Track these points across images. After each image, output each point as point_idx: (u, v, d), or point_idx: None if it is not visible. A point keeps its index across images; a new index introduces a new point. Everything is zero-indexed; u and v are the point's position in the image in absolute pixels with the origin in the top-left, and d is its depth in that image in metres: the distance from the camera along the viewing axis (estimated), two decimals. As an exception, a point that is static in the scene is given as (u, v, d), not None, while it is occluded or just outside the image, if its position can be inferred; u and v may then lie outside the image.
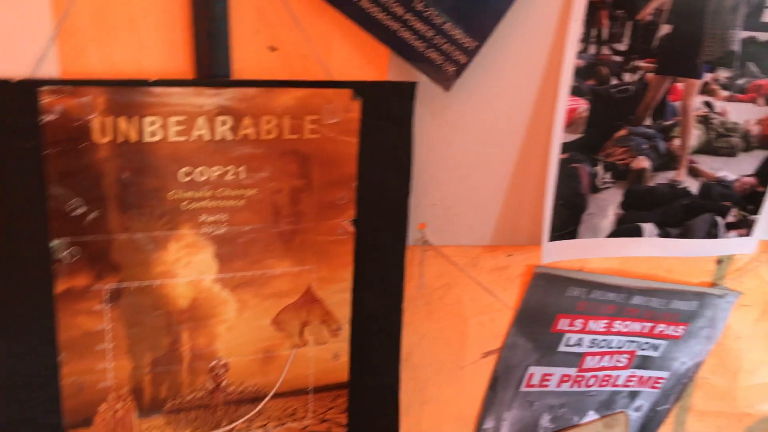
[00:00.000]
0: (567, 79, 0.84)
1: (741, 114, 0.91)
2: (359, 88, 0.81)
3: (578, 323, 1.00)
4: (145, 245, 0.76)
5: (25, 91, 0.68)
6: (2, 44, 0.69)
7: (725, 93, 0.89)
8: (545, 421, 1.07)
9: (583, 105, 0.86)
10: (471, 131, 0.88)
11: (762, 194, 0.95)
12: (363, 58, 0.83)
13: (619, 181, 0.91)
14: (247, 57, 0.78)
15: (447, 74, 0.83)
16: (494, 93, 0.87)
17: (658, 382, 1.10)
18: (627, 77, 0.87)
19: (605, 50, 0.85)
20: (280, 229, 0.82)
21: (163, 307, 0.79)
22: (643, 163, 0.90)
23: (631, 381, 1.09)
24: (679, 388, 1.12)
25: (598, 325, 1.01)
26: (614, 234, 0.93)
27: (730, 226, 0.95)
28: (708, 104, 0.90)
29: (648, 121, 0.89)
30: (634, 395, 1.11)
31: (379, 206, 0.87)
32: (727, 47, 0.87)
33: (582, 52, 0.84)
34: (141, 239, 0.76)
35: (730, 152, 0.92)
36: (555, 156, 0.87)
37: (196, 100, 0.74)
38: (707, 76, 0.89)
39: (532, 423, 1.07)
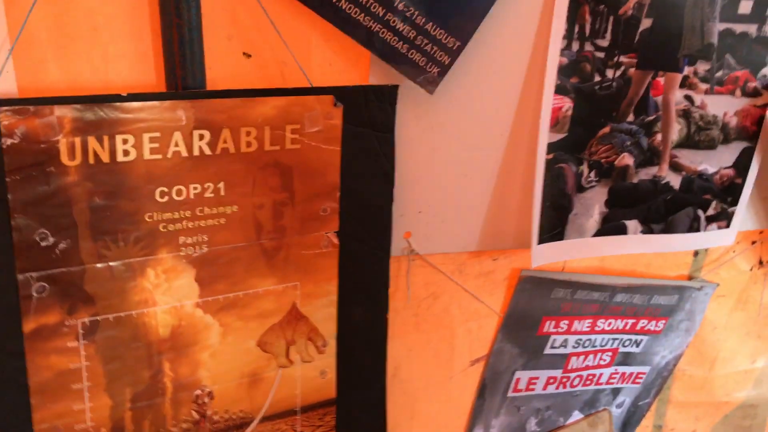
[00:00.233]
0: (551, 77, 0.83)
1: (720, 106, 0.92)
2: (340, 93, 0.78)
3: (563, 324, 1.00)
4: (121, 274, 0.71)
5: (-17, 113, 0.62)
6: (-48, 61, 0.63)
7: (705, 86, 0.90)
8: (532, 425, 1.07)
9: (567, 103, 0.85)
10: (455, 135, 0.86)
11: (740, 186, 0.97)
12: (343, 63, 0.79)
13: (604, 179, 0.90)
14: (220, 65, 0.74)
15: (430, 76, 0.80)
16: (477, 94, 0.85)
17: (639, 377, 1.11)
18: (610, 73, 0.86)
19: (588, 46, 0.84)
20: (262, 246, 0.78)
21: (143, 338, 0.74)
22: (627, 160, 0.90)
23: (613, 378, 1.10)
24: (659, 381, 1.14)
25: (583, 325, 1.01)
26: (599, 233, 0.92)
27: (710, 219, 0.97)
28: (688, 98, 0.90)
29: (630, 118, 0.89)
30: (616, 392, 1.12)
31: (363, 216, 0.84)
32: (705, 40, 0.88)
33: (565, 49, 0.83)
34: (116, 268, 0.71)
35: (710, 145, 0.93)
36: (541, 157, 0.85)
37: (171, 115, 0.69)
38: (687, 70, 0.89)
39: (520, 428, 1.07)
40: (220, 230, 0.75)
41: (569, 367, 1.05)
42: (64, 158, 0.66)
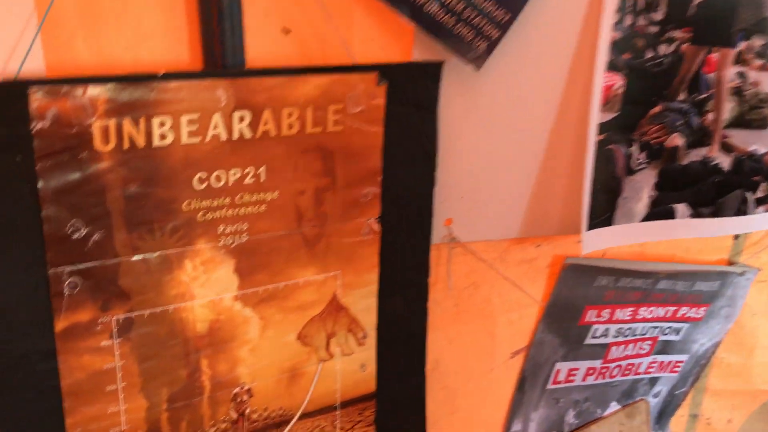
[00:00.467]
0: (603, 53, 0.79)
1: (774, 84, 0.89)
2: (384, 71, 0.73)
3: (605, 313, 0.96)
4: (157, 266, 0.66)
5: (12, 94, 0.56)
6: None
7: (759, 62, 0.86)
8: (570, 417, 1.04)
9: (618, 81, 0.81)
10: (500, 115, 0.81)
11: (790, 167, 0.93)
12: (386, 38, 0.74)
13: (654, 161, 0.86)
14: (257, 43, 0.68)
15: (478, 51, 0.76)
16: (525, 71, 0.80)
17: (677, 366, 1.08)
18: (662, 49, 0.82)
19: (641, 21, 0.80)
20: (303, 235, 0.74)
21: (180, 335, 0.70)
22: (677, 140, 0.86)
23: (652, 367, 1.06)
24: (697, 370, 1.10)
25: (624, 313, 0.98)
26: (648, 217, 0.88)
27: (759, 202, 0.93)
28: (741, 75, 0.86)
29: (682, 96, 0.85)
30: (653, 381, 1.09)
31: (404, 202, 0.80)
32: (761, 13, 0.83)
33: (617, 24, 0.79)
34: (152, 260, 0.66)
35: (761, 124, 0.89)
36: (592, 137, 0.81)
37: (210, 95, 0.64)
38: (741, 45, 0.85)
39: (558, 420, 1.03)
40: (261, 218, 0.71)
41: (609, 357, 1.01)
42: (98, 143, 0.60)
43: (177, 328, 0.69)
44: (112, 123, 0.60)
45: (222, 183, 0.67)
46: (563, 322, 0.96)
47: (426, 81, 0.76)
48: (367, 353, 0.83)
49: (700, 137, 0.87)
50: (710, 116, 0.87)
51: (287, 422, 0.79)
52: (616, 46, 0.79)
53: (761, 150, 0.91)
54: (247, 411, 0.76)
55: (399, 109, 0.75)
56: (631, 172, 0.86)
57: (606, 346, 1.00)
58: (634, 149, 0.85)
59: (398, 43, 0.75)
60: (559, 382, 1.00)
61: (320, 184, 0.73)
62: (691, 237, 0.93)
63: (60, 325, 0.63)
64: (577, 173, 0.84)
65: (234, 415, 0.75)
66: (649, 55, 0.82)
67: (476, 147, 0.82)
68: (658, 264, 0.97)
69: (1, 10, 0.57)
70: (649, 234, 0.89)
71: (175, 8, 0.65)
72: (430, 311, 0.85)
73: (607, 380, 1.04)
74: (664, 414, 1.13)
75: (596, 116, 0.81)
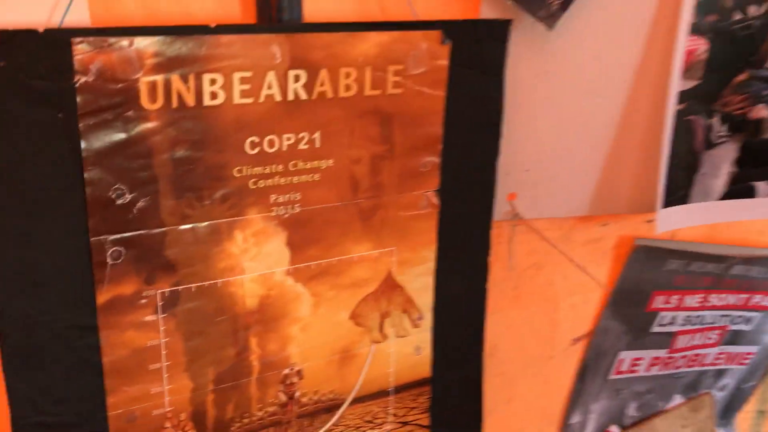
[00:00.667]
0: (687, 13, 0.72)
1: None
2: (449, 28, 0.68)
3: (674, 300, 0.91)
4: (205, 237, 0.62)
5: (55, 44, 0.52)
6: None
7: None
8: (631, 409, 0.98)
9: (702, 45, 0.75)
10: (571, 80, 0.75)
11: None
12: (450, -7, 0.69)
13: (736, 134, 0.80)
14: (313, -4, 0.64)
15: (551, 9, 0.70)
16: (600, 33, 0.74)
17: (746, 358, 1.02)
18: (752, 11, 0.75)
19: (729, -21, 0.74)
20: (358, 206, 0.69)
21: (228, 311, 0.65)
22: (762, 112, 0.79)
23: (719, 359, 1.00)
24: (767, 363, 1.04)
25: (693, 300, 0.92)
26: (726, 196, 0.82)
27: None
28: (836, 40, 0.80)
29: (769, 63, 0.79)
30: (720, 374, 1.03)
31: (465, 173, 0.74)
32: None
33: (702, -19, 0.72)
34: (200, 230, 0.62)
35: None
36: (671, 107, 0.75)
37: (265, 51, 0.59)
38: (838, 7, 0.78)
39: (618, 412, 0.98)
40: (314, 187, 0.66)
41: (675, 347, 0.95)
42: (145, 100, 0.56)
43: (225, 303, 0.65)
44: (159, 79, 0.56)
45: (275, 148, 0.63)
46: (629, 308, 0.90)
47: (493, 41, 0.70)
48: (423, 336, 0.78)
49: (788, 108, 0.81)
50: (799, 85, 0.80)
51: (338, 407, 0.75)
52: (701, 7, 0.73)
53: None
54: (297, 394, 0.71)
55: (463, 72, 0.70)
56: (710, 145, 0.79)
57: (672, 335, 0.94)
58: (715, 121, 0.79)
59: (464, -1, 0.70)
60: (622, 372, 0.95)
61: (377, 152, 0.68)
62: (772, 217, 0.87)
63: (102, 297, 0.59)
64: (652, 146, 0.78)
65: (283, 398, 0.71)
66: (737, 17, 0.75)
67: (544, 115, 0.76)
68: (733, 248, 0.90)
69: (43, -45, 0.53)
70: (727, 214, 0.83)
71: (228, -44, 0.60)
72: (487, 293, 0.80)
73: (672, 371, 0.98)
74: (729, 409, 1.07)
75: (676, 84, 0.74)
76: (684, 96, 0.75)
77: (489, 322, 0.81)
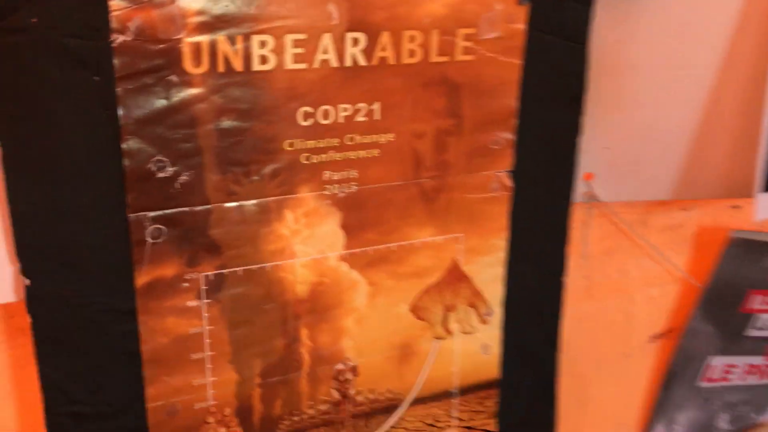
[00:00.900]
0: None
1: None
2: (526, -11, 0.62)
3: (773, 300, 0.83)
4: (253, 216, 0.58)
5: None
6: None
7: None
8: (723, 421, 0.90)
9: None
10: (659, 48, 0.69)
11: None
12: (529, -52, 0.64)
13: None
14: (376, -50, 0.59)
15: (642, -32, 0.64)
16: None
17: None
18: None
19: None
20: (421, 187, 0.64)
21: (277, 298, 0.61)
22: None
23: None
24: None
25: (797, 300, 0.84)
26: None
27: None
28: None
29: None
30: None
31: (542, 152, 0.69)
32: None
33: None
34: (248, 208, 0.58)
35: None
36: (779, 77, 0.68)
37: (320, 11, 0.55)
38: None
39: (708, 425, 0.90)
40: (372, 164, 0.61)
41: (774, 353, 0.87)
42: (188, 64, 0.52)
43: (274, 290, 0.61)
44: (204, 40, 0.52)
45: (330, 120, 0.58)
46: (721, 309, 0.82)
47: (576, 3, 0.64)
48: (491, 333, 0.72)
49: None
50: None
51: (396, 407, 0.70)
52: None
53: None
54: (351, 392, 0.67)
55: (542, 38, 0.64)
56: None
57: (769, 340, 0.86)
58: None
59: (544, -46, 0.64)
60: (713, 380, 0.87)
61: (443, 126, 0.63)
62: None
63: (141, 279, 0.56)
64: (750, 123, 0.70)
65: (336, 396, 0.66)
66: None
67: (628, 87, 0.70)
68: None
69: None
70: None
71: None
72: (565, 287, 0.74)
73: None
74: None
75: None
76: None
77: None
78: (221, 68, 0.53)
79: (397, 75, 0.59)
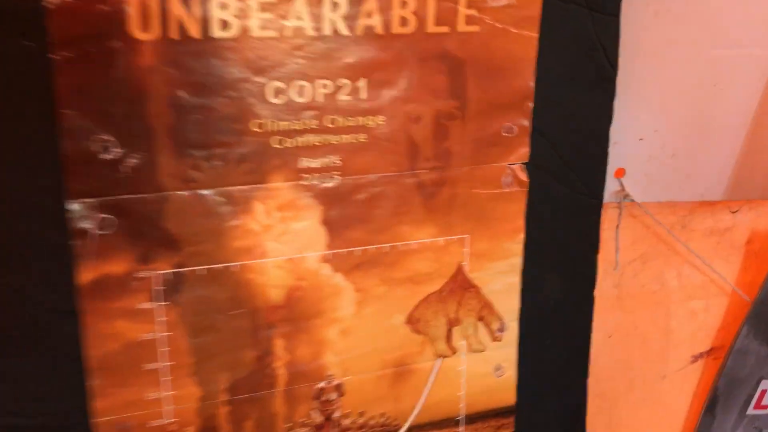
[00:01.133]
0: None
1: None
2: (543, -52, 0.55)
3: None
4: (216, 207, 0.52)
5: (16, -50, 0.44)
6: None
7: None
8: (776, 454, 0.81)
9: None
10: (702, 23, 0.61)
11: None
12: None
13: None
14: None
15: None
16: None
17: None
18: None
19: None
20: (418, 179, 0.57)
21: (246, 303, 0.55)
22: None
23: None
24: None
25: None
26: None
27: None
28: None
29: None
30: None
31: (565, 142, 0.61)
32: None
33: None
34: (210, 198, 0.52)
35: None
36: None
37: (290, -32, 0.49)
38: None
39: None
40: (359, 151, 0.54)
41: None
42: (135, 29, 0.47)
43: (243, 293, 0.55)
44: (153, 1, 0.47)
45: (306, 98, 0.52)
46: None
47: (604, -33, 0.57)
48: (505, 352, 0.64)
49: None
50: None
51: (390, 434, 0.63)
52: None
53: None
54: (336, 414, 0.60)
55: (564, 7, 0.57)
56: None
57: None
58: None
59: None
60: (765, 407, 0.77)
61: (444, 109, 0.56)
62: None
63: (85, 276, 0.50)
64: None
65: (318, 418, 0.59)
66: None
67: (666, 67, 0.62)
68: None
69: None
70: None
71: None
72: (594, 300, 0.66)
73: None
74: None
75: None
76: None
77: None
78: (174, 34, 0.47)
79: (386, 47, 0.53)
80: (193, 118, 0.50)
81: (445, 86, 0.55)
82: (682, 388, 0.79)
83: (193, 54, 0.48)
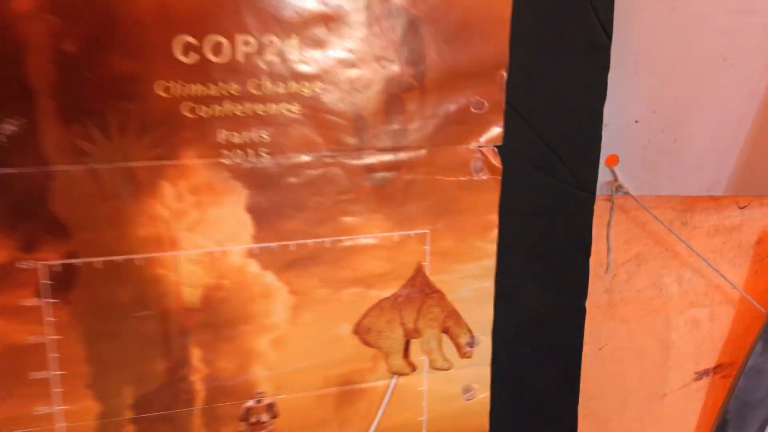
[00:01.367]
0: None
1: None
2: None
3: None
4: (115, 187, 0.45)
5: None
6: None
7: None
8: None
9: None
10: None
11: None
12: None
13: None
14: None
15: None
16: None
17: None
18: None
19: None
20: (366, 162, 0.49)
21: (155, 304, 0.47)
22: None
23: None
24: None
25: None
26: None
27: None
28: None
29: None
30: None
31: (547, 121, 0.52)
32: None
33: None
34: (106, 175, 0.44)
35: None
36: None
37: None
38: None
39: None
40: (292, 125, 0.46)
41: None
42: (7, -35, 0.40)
43: (150, 292, 0.47)
44: (29, -68, 0.40)
45: (224, 57, 0.44)
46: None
47: None
48: (477, 371, 0.55)
49: None
50: None
51: (336, 465, 0.54)
52: None
53: None
54: (269, 439, 0.52)
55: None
56: None
57: None
58: None
59: None
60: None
61: (398, 77, 0.48)
62: None
63: (-46, 265, 0.43)
64: None
65: (246, 444, 0.51)
66: None
67: (671, 36, 0.53)
68: None
69: None
70: None
71: None
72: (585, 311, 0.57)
73: None
74: None
75: None
76: None
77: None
78: (56, -26, 0.40)
79: (324, -1, 0.45)
80: (83, 77, 0.42)
81: (397, 48, 0.47)
82: (684, 410, 0.70)
83: None
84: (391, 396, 0.54)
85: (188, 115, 0.44)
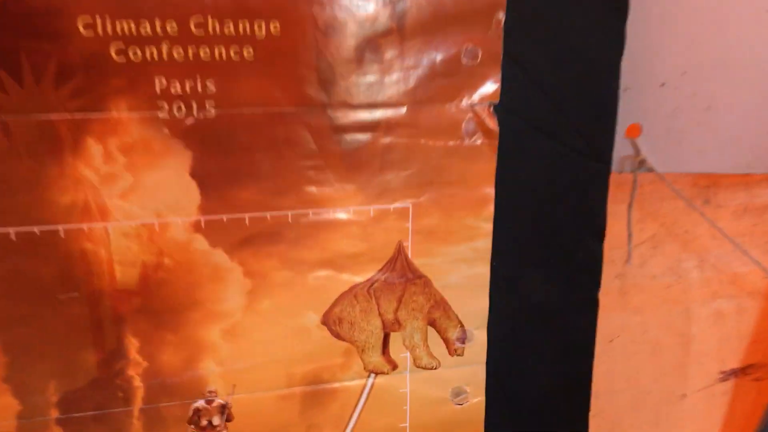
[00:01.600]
0: None
1: None
2: None
3: None
4: (30, 146, 0.38)
5: None
6: None
7: None
8: None
9: None
10: None
11: None
12: None
13: None
14: None
15: None
16: None
17: None
18: None
19: None
20: (334, 120, 0.42)
21: (83, 285, 0.41)
22: None
23: None
24: None
25: None
26: None
27: None
28: None
29: None
30: None
31: (555, 79, 0.45)
32: None
33: None
34: (17, 128, 0.38)
35: None
36: None
37: None
38: None
39: None
40: (243, 73, 0.40)
41: None
42: None
43: (76, 270, 0.40)
44: None
45: (160, -11, 0.38)
46: None
47: None
48: (469, 371, 0.48)
49: None
50: None
51: (303, 477, 0.47)
52: None
53: None
54: (222, 446, 0.45)
55: None
56: None
57: None
58: None
59: None
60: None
61: (369, 19, 0.41)
62: None
63: None
64: None
65: (194, 451, 0.45)
66: None
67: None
68: None
69: None
70: None
71: None
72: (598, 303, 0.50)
73: None
74: None
75: None
76: None
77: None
78: None
79: None
80: (-12, 10, 0.36)
81: (371, -15, 0.40)
82: (706, 413, 0.64)
83: None
84: (367, 398, 0.47)
85: (118, 59, 0.38)
